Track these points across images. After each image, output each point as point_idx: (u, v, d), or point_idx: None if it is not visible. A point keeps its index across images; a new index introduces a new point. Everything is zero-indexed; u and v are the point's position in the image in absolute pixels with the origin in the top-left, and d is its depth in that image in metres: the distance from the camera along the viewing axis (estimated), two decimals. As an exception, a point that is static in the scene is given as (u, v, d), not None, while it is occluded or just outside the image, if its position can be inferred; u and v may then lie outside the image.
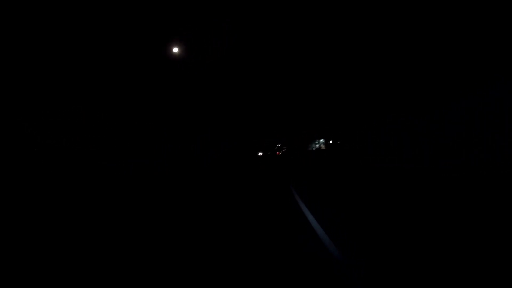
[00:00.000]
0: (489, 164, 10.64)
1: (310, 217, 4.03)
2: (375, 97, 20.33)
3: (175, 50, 15.74)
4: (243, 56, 23.06)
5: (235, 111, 31.62)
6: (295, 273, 2.16)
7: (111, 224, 3.92)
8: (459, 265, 2.23)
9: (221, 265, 2.37)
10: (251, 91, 30.00)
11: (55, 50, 10.95)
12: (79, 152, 11.32)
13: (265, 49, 22.96)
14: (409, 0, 13.22)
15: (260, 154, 51.15)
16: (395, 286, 1.94)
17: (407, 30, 14.26)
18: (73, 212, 4.77)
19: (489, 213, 4.02)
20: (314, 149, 42.91)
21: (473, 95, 11.64)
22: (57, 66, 11.03)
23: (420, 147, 15.28)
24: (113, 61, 13.67)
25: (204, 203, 5.57)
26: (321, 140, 41.70)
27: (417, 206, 4.72)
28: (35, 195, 6.48)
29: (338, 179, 10.39)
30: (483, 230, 3.22)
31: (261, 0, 17.25)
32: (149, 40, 15.43)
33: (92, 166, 11.61)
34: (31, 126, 9.69)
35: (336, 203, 5.27)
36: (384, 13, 15.15)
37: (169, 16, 15.91)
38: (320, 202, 5.33)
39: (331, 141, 38.38)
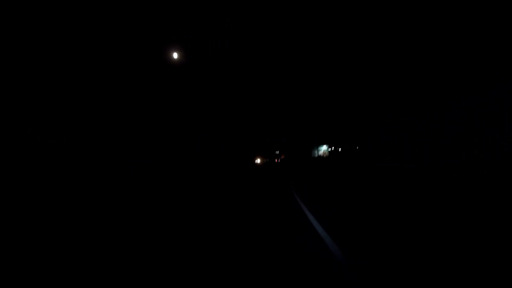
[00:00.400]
0: (489, 164, 10.64)
1: (311, 217, 4.03)
2: (375, 97, 20.33)
3: (175, 50, 15.75)
4: (243, 56, 23.05)
5: (235, 111, 31.60)
6: (295, 273, 2.16)
7: (111, 224, 3.92)
8: (459, 264, 2.23)
9: (221, 265, 2.37)
10: (250, 91, 29.98)
11: (56, 51, 10.94)
12: (79, 152, 11.31)
13: (265, 49, 22.95)
14: (409, 0, 13.22)
15: (258, 161, 45.00)
16: (395, 286, 1.94)
17: (407, 31, 14.26)
18: (73, 212, 4.77)
19: (489, 213, 4.02)
20: (316, 156, 42.19)
21: (473, 95, 11.65)
22: (57, 66, 11.03)
23: (420, 147, 15.28)
24: (113, 61, 13.67)
25: (205, 203, 5.57)
26: (324, 147, 41.26)
27: (417, 206, 4.72)
28: (35, 195, 6.47)
29: (339, 180, 10.39)
30: (483, 230, 3.22)
31: (262, 1, 17.25)
32: (149, 40, 15.43)
33: (92, 166, 11.61)
34: (31, 126, 9.69)
35: (337, 204, 5.27)
36: (384, 14, 15.15)
37: (169, 17, 15.90)
38: (320, 203, 5.33)
39: (332, 147, 38.45)
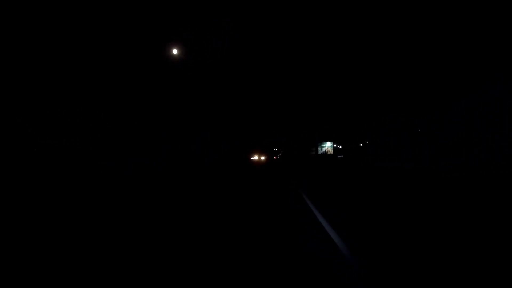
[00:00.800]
0: (489, 164, 10.64)
1: (314, 210, 4.03)
2: (375, 98, 20.34)
3: (175, 50, 15.75)
4: (243, 56, 23.05)
5: (235, 111, 31.62)
6: (298, 269, 2.16)
7: (111, 224, 3.91)
8: (459, 264, 2.23)
9: (221, 265, 2.37)
10: (250, 91, 30.00)
11: (56, 51, 10.94)
12: (79, 152, 11.31)
13: (265, 49, 22.96)
14: (409, 1, 13.23)
15: (257, 159, 41.50)
16: (395, 286, 1.94)
17: (408, 31, 14.27)
18: (73, 211, 4.77)
19: (489, 213, 4.02)
20: (320, 153, 41.59)
21: (473, 95, 11.65)
22: (57, 66, 11.03)
23: (420, 147, 15.29)
24: (113, 62, 13.67)
25: (205, 204, 5.56)
26: (328, 143, 40.74)
27: (417, 206, 4.72)
28: (35, 195, 6.47)
29: (340, 180, 10.39)
30: (483, 229, 3.22)
31: (263, 1, 17.26)
32: (149, 40, 15.43)
33: (92, 166, 11.61)
34: (31, 126, 9.69)
35: (338, 203, 5.27)
36: (384, 15, 15.16)
37: (169, 17, 15.91)
38: (320, 202, 5.33)
39: (335, 145, 38.34)
